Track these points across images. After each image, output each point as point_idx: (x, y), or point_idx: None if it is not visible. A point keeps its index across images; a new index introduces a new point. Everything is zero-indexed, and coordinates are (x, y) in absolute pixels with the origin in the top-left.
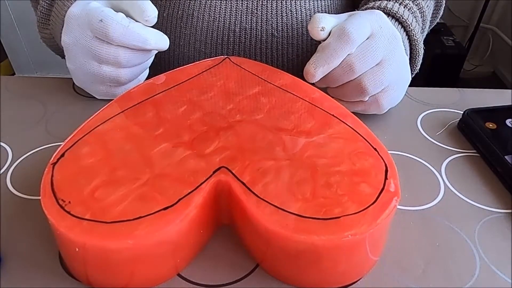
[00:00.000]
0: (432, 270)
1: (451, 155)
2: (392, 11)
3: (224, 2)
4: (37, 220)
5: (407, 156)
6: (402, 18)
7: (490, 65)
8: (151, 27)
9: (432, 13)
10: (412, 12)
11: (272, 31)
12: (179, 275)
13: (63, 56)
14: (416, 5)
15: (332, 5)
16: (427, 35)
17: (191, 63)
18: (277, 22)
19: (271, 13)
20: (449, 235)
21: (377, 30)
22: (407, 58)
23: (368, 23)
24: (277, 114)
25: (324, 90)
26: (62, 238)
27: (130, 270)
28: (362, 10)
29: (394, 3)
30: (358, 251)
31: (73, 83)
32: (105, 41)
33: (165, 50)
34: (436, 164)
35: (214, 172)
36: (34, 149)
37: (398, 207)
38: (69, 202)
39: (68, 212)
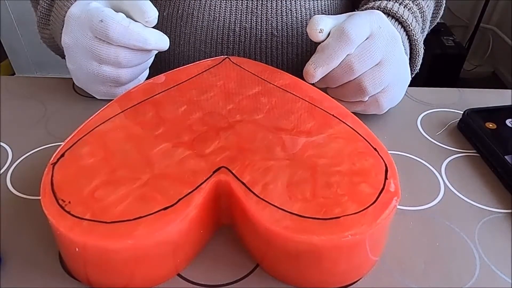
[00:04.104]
0: (432, 270)
1: (451, 155)
2: (392, 11)
3: (224, 1)
4: (37, 220)
5: (407, 156)
6: (402, 18)
7: (490, 65)
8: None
9: (432, 13)
10: (412, 12)
11: (272, 30)
12: (179, 275)
13: (63, 56)
14: (416, 5)
15: (331, 5)
16: (427, 35)
17: (191, 62)
18: (277, 22)
19: (271, 13)
20: (449, 235)
21: (376, 30)
22: (407, 58)
23: (367, 23)
24: (277, 114)
25: (324, 90)
26: (62, 238)
27: (130, 270)
28: (362, 10)
29: (394, 3)
30: (358, 251)
31: (73, 83)
32: (105, 41)
33: (165, 50)
34: (436, 164)
35: (214, 172)
36: (34, 149)
37: (398, 207)
38: (69, 202)
39: (68, 212)
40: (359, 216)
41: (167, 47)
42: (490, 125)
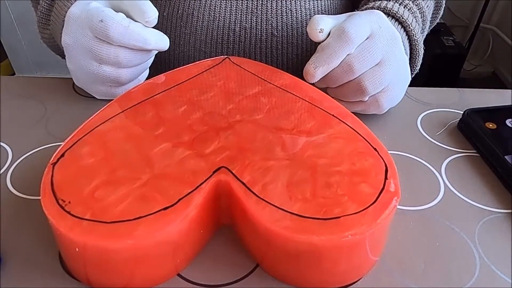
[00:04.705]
0: (432, 270)
1: (451, 155)
2: (392, 11)
3: (224, 1)
4: (37, 220)
5: (407, 156)
6: (402, 18)
7: (490, 65)
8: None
9: (432, 13)
10: (412, 12)
11: (272, 30)
12: (179, 275)
13: (63, 56)
14: (416, 5)
15: (331, 5)
16: (427, 35)
17: (191, 62)
18: (277, 22)
19: (271, 13)
20: (449, 235)
21: (376, 30)
22: (407, 58)
23: (367, 23)
24: (277, 114)
25: (324, 90)
26: (62, 238)
27: (130, 270)
28: (362, 10)
29: (394, 3)
30: (358, 251)
31: (73, 83)
32: (106, 41)
33: (165, 50)
34: (436, 164)
35: (214, 172)
36: (34, 149)
37: (398, 207)
38: (69, 202)
39: (68, 212)
40: (359, 216)
41: (167, 47)
42: (490, 125)
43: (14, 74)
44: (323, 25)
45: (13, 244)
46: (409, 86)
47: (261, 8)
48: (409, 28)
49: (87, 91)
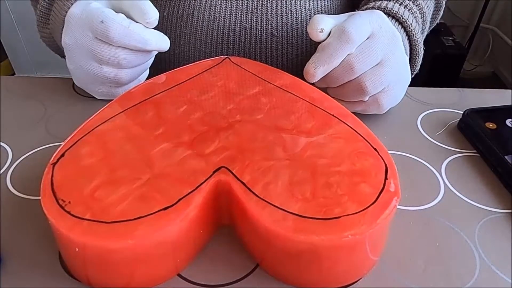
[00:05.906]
0: (432, 270)
1: (451, 155)
2: (392, 11)
3: (224, 1)
4: (37, 220)
5: (407, 156)
6: (402, 18)
7: (490, 65)
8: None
9: (432, 14)
10: (412, 13)
11: (272, 30)
12: (179, 275)
13: (63, 56)
14: (416, 5)
15: (332, 5)
16: (427, 35)
17: (191, 62)
18: (277, 22)
19: (271, 13)
20: (449, 235)
21: (377, 30)
22: (407, 58)
23: (368, 23)
24: (277, 114)
25: (324, 90)
26: (62, 238)
27: (130, 270)
28: (362, 10)
29: (394, 3)
30: (358, 251)
31: (73, 83)
32: (106, 42)
33: (166, 50)
34: (436, 164)
35: (214, 172)
36: (34, 149)
37: (398, 207)
38: (69, 202)
39: (68, 212)
40: (359, 216)
41: (168, 48)
42: (490, 125)
43: (14, 74)
44: (323, 25)
45: (13, 244)
46: (409, 86)
47: (261, 8)
48: (409, 28)
49: (87, 91)
